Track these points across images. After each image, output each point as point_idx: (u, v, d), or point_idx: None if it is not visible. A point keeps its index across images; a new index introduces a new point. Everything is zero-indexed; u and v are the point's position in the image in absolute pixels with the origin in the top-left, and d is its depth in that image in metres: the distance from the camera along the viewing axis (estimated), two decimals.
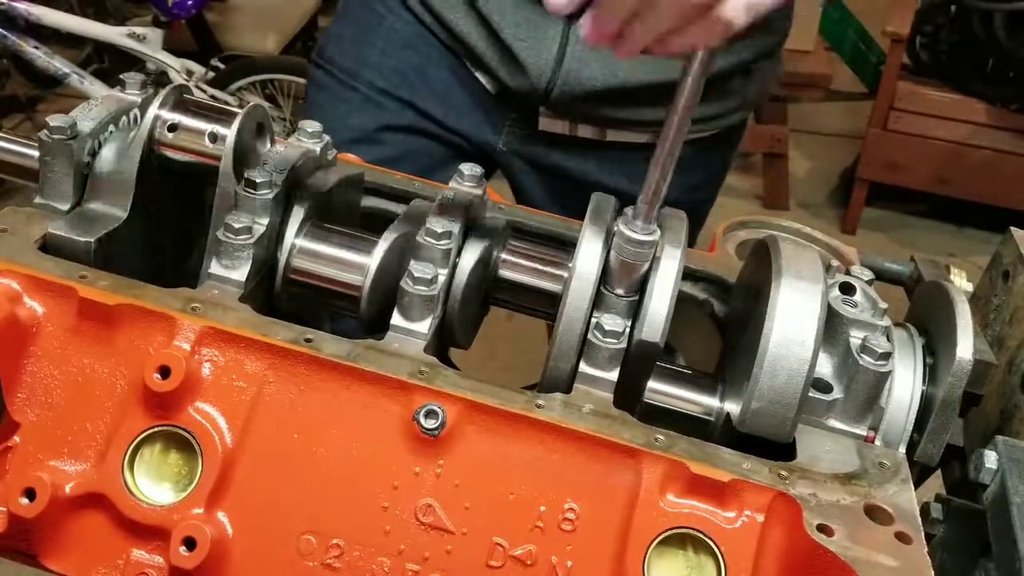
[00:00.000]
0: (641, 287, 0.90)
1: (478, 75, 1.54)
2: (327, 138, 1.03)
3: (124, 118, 1.00)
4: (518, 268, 0.99)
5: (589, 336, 0.87)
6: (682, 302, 1.02)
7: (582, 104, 1.48)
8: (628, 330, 0.88)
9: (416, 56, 1.56)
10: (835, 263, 1.13)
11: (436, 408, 0.79)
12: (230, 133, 0.95)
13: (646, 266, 0.90)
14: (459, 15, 1.49)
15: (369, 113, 1.57)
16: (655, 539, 0.77)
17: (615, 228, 0.90)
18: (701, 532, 0.77)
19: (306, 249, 0.97)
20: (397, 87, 1.57)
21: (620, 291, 0.90)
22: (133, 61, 4.09)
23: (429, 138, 1.59)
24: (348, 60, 1.59)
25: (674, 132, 0.86)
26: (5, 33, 3.93)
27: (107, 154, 0.97)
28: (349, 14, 1.63)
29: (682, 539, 0.78)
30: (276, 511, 0.79)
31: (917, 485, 0.87)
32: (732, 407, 0.90)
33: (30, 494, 0.78)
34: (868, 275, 0.97)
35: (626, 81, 1.45)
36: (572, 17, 0.86)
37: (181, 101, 1.00)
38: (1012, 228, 1.14)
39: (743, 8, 0.84)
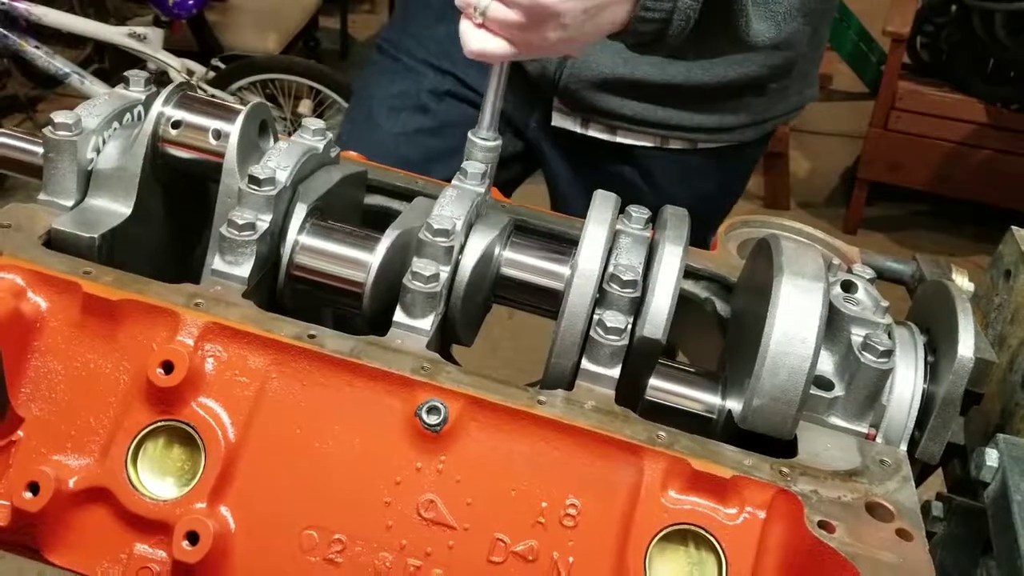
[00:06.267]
0: (643, 284, 0.91)
1: None
2: (330, 135, 1.04)
3: (128, 115, 1.01)
4: (520, 265, 0.99)
5: (591, 333, 0.87)
6: (684, 300, 1.02)
7: (591, 94, 1.50)
8: (630, 327, 0.89)
9: (452, 27, 1.58)
10: (836, 261, 1.13)
11: (438, 404, 0.79)
12: (234, 130, 0.95)
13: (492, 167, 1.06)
14: None
15: (410, 80, 1.62)
16: (656, 535, 0.77)
17: (473, 140, 1.08)
18: (702, 528, 0.77)
19: (309, 246, 0.97)
20: (438, 57, 1.60)
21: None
22: (134, 61, 4.08)
23: (471, 106, 1.61)
24: (394, 35, 1.67)
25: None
26: (6, 33, 3.92)
27: (111, 151, 0.97)
28: None
29: (683, 535, 0.78)
30: (278, 506, 0.80)
31: (918, 483, 0.87)
32: (734, 404, 0.90)
33: (34, 488, 0.78)
34: (870, 273, 0.97)
35: (633, 72, 1.47)
36: None
37: (185, 98, 1.00)
38: (1013, 227, 1.14)
39: None
